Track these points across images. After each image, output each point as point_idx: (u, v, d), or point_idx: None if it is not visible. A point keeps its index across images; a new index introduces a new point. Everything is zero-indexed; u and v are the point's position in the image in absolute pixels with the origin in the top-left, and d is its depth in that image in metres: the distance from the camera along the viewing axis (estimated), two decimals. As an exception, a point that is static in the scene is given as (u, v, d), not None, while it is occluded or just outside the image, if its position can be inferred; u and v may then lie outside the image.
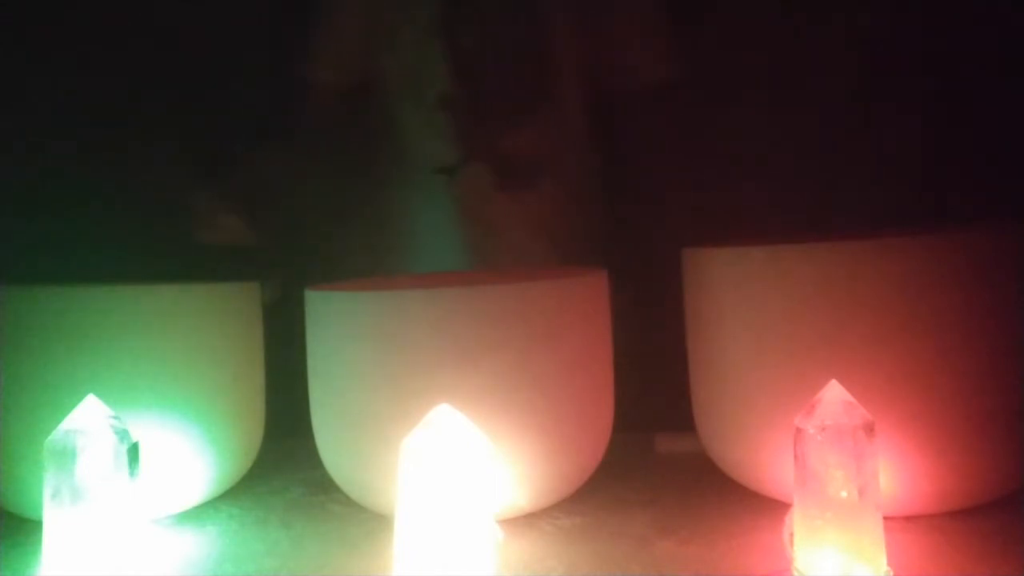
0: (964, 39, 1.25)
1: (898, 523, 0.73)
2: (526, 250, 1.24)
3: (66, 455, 0.61)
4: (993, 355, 0.73)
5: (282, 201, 1.37)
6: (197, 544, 0.81)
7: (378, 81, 1.27)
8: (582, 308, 0.83)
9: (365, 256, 1.28)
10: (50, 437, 0.62)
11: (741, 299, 0.79)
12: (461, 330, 0.76)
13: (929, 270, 0.72)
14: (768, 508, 0.79)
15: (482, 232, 1.24)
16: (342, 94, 1.27)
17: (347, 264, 1.26)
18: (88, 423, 0.63)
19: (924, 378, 0.72)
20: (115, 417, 0.64)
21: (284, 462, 1.01)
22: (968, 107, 1.24)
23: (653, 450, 1.02)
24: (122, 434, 0.63)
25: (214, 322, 0.87)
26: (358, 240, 1.32)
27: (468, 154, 1.21)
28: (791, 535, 0.63)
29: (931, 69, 1.26)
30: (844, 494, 0.60)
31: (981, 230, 0.77)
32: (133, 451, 0.63)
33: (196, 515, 0.87)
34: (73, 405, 0.64)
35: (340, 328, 0.80)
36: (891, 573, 0.60)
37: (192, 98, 1.29)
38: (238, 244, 1.10)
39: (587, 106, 1.28)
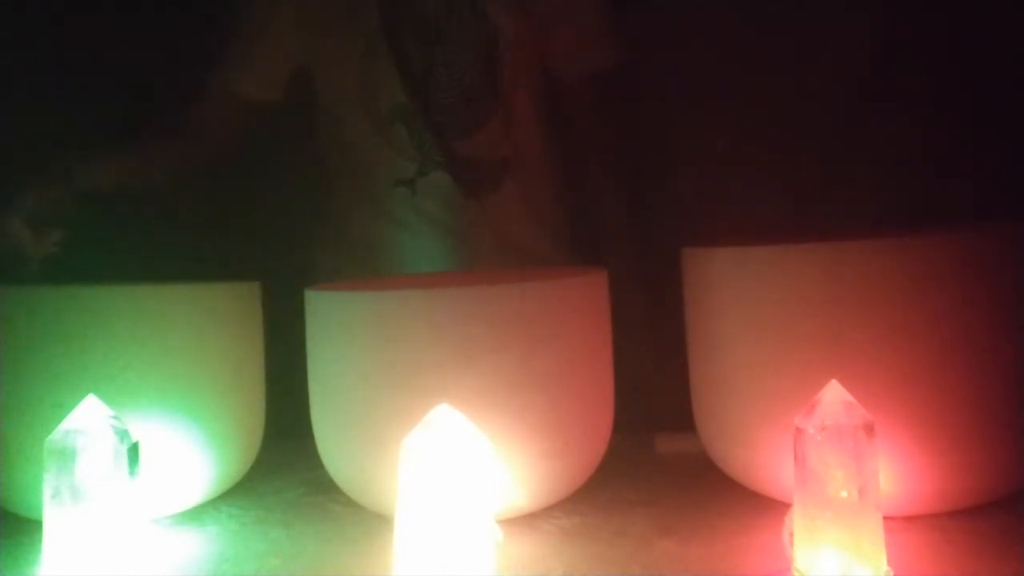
0: (964, 38, 1.25)
1: (898, 523, 0.73)
2: (494, 257, 1.24)
3: (66, 455, 0.61)
4: (993, 355, 0.73)
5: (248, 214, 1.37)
6: (197, 544, 0.81)
7: (326, 95, 1.26)
8: (582, 308, 0.83)
9: (330, 273, 1.27)
10: (50, 437, 0.62)
11: (741, 299, 0.79)
12: (461, 330, 0.76)
13: (929, 270, 0.72)
14: (768, 508, 0.79)
15: (450, 242, 1.23)
16: (269, 108, 1.26)
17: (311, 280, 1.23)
18: (88, 423, 0.63)
19: (924, 378, 0.72)
20: (115, 417, 0.64)
21: (284, 462, 1.01)
22: (968, 107, 1.24)
23: (653, 450, 1.02)
24: (122, 434, 0.63)
25: (214, 322, 0.87)
26: (320, 256, 1.31)
27: (427, 163, 1.21)
28: (791, 535, 0.63)
29: (931, 69, 1.26)
30: (844, 494, 0.60)
31: (981, 230, 0.77)
32: (133, 451, 0.63)
33: (196, 515, 0.87)
34: (73, 405, 0.64)
35: (340, 328, 0.80)
36: (891, 573, 0.60)
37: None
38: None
39: (540, 104, 1.28)
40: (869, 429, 0.61)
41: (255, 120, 1.26)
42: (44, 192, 1.08)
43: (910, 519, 0.75)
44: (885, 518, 0.61)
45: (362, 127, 1.22)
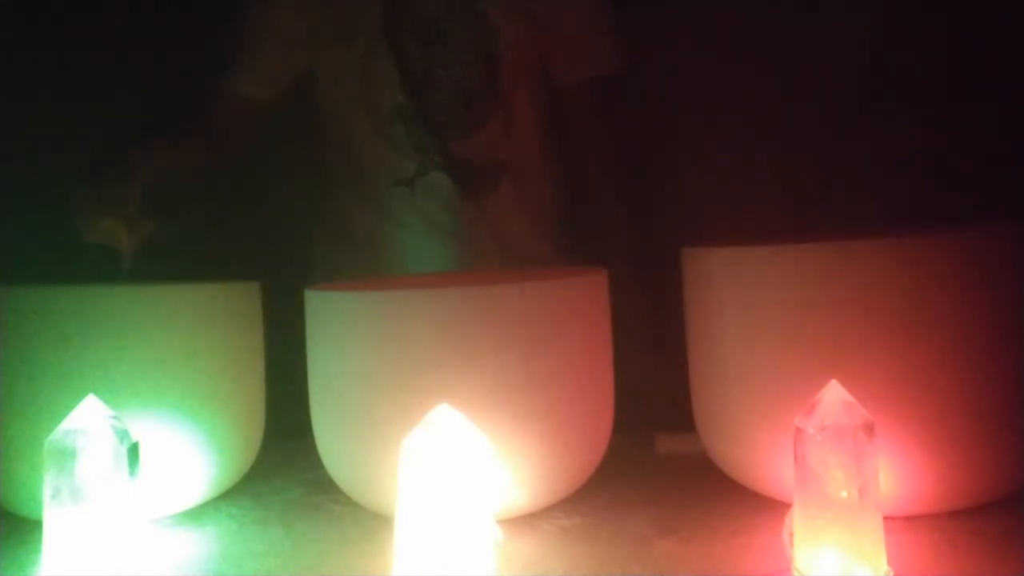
0: (964, 39, 1.25)
1: (898, 523, 0.73)
2: (493, 257, 1.24)
3: (66, 455, 0.61)
4: (993, 355, 0.73)
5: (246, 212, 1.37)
6: (197, 544, 0.81)
7: (327, 95, 1.26)
8: (582, 308, 0.83)
9: (330, 273, 1.27)
10: (50, 437, 0.62)
11: (741, 299, 0.79)
12: (461, 330, 0.76)
13: (929, 270, 0.72)
14: (768, 508, 0.79)
15: (449, 242, 1.23)
16: (270, 108, 1.26)
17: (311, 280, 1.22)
18: (88, 423, 0.62)
19: (924, 378, 0.72)
20: (115, 417, 0.64)
21: (284, 462, 1.01)
22: (968, 107, 1.24)
23: (653, 450, 1.02)
24: (122, 434, 0.63)
25: (214, 322, 0.87)
26: (320, 256, 1.31)
27: (426, 164, 1.21)
28: (791, 535, 0.63)
29: (932, 69, 1.26)
30: (844, 494, 0.60)
31: (981, 230, 0.77)
32: (133, 451, 0.63)
33: (196, 515, 0.87)
34: (73, 405, 0.64)
35: (340, 328, 0.80)
36: (891, 573, 0.60)
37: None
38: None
39: (540, 105, 1.28)
40: (869, 429, 0.61)
41: (256, 120, 1.26)
42: (128, 186, 1.07)
43: (910, 519, 0.75)
44: (885, 518, 0.61)
45: (362, 127, 1.22)
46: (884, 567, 0.60)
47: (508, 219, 1.25)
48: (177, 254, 1.11)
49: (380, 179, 1.23)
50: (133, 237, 1.05)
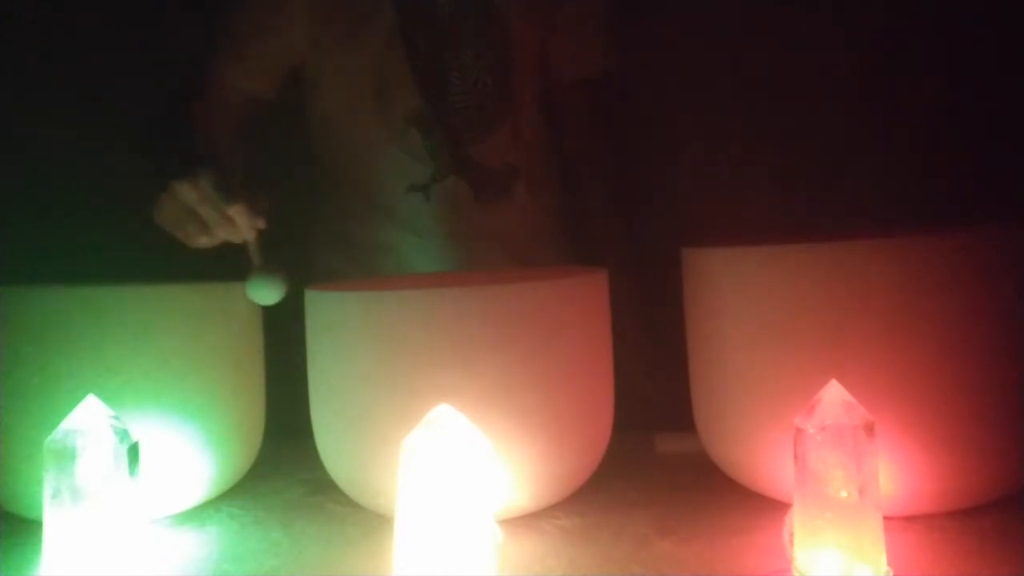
0: (965, 39, 1.25)
1: (898, 523, 0.73)
2: (496, 259, 1.23)
3: (66, 455, 0.61)
4: (993, 355, 0.73)
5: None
6: (197, 544, 0.81)
7: (333, 100, 1.24)
8: (582, 308, 0.83)
9: (329, 272, 1.26)
10: (50, 437, 0.62)
11: (741, 299, 0.79)
12: (461, 330, 0.76)
13: (929, 270, 0.72)
14: (768, 508, 0.79)
15: (460, 246, 1.23)
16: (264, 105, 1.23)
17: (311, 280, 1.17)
18: (88, 423, 0.63)
19: (924, 378, 0.72)
20: (115, 417, 0.64)
21: (284, 462, 1.01)
22: (969, 107, 1.24)
23: (653, 450, 1.02)
24: (122, 434, 0.63)
25: (214, 322, 0.87)
26: (320, 256, 1.31)
27: (442, 169, 1.20)
28: (791, 535, 0.63)
29: (932, 68, 1.26)
30: (844, 494, 0.60)
31: (981, 230, 0.77)
32: (133, 451, 0.63)
33: (196, 515, 0.87)
34: (73, 405, 0.64)
35: (340, 328, 0.80)
36: (891, 573, 0.60)
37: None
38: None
39: (542, 108, 1.27)
40: (869, 429, 0.61)
41: (248, 117, 1.24)
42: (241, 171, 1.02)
43: (910, 519, 0.75)
44: (885, 518, 0.61)
45: (374, 131, 1.20)
46: (884, 567, 0.60)
47: (515, 222, 1.25)
48: (177, 254, 1.11)
49: (389, 183, 1.21)
50: (258, 219, 0.95)
